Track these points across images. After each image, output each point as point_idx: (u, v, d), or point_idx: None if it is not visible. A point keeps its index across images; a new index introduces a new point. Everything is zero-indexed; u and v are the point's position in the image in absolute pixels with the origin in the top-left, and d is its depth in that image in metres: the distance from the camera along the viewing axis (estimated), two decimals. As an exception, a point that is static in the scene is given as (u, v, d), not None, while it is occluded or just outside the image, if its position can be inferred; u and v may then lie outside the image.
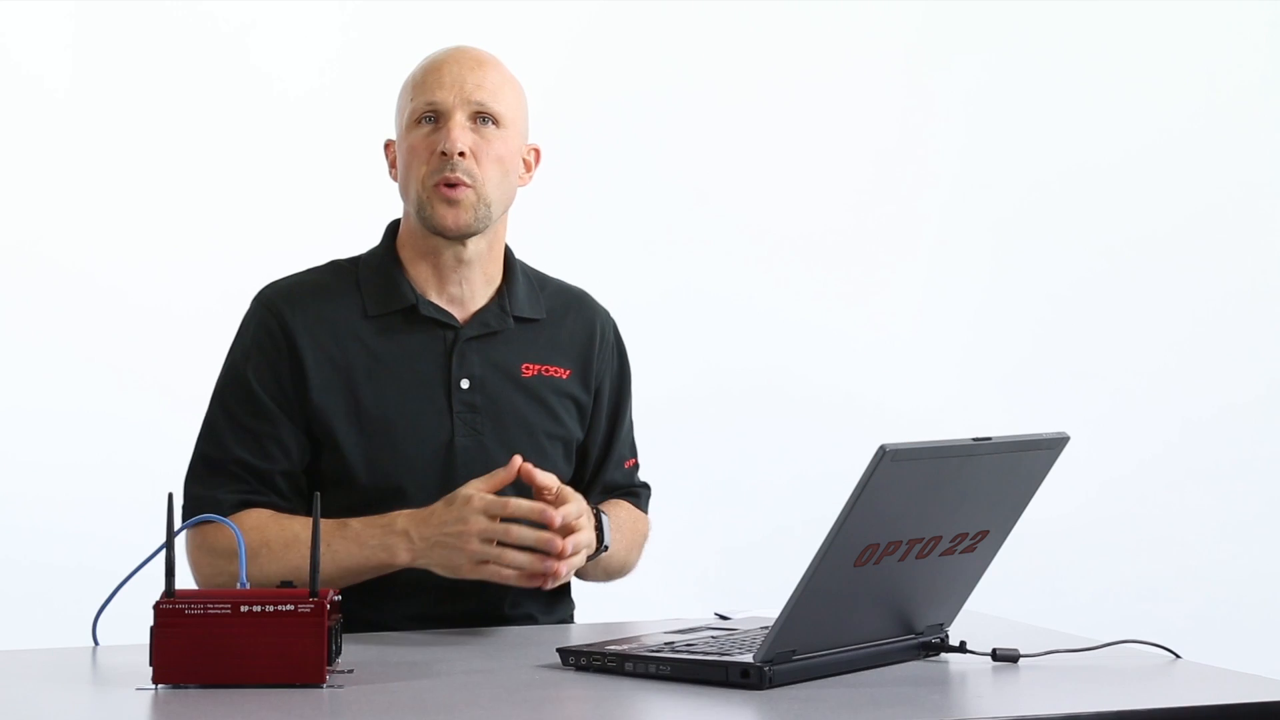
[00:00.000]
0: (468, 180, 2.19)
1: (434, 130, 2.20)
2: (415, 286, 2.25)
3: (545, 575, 2.04)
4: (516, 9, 3.80)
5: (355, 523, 2.12)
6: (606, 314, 2.40)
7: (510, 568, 2.03)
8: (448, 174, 2.18)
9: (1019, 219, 4.13)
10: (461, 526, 2.03)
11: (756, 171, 3.99)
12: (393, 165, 2.28)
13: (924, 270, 4.09)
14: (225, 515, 2.10)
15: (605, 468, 2.38)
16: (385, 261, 2.26)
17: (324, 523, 2.10)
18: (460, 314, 2.26)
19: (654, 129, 3.92)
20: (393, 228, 2.31)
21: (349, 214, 3.25)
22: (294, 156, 3.70)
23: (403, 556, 2.09)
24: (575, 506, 2.08)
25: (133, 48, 3.64)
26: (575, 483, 2.34)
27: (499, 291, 2.28)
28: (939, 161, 4.09)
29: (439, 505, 2.07)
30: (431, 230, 2.21)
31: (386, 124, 2.32)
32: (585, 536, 2.08)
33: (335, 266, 2.29)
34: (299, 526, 2.14)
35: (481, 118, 2.21)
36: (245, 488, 2.18)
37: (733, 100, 3.98)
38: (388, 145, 2.30)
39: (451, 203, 2.19)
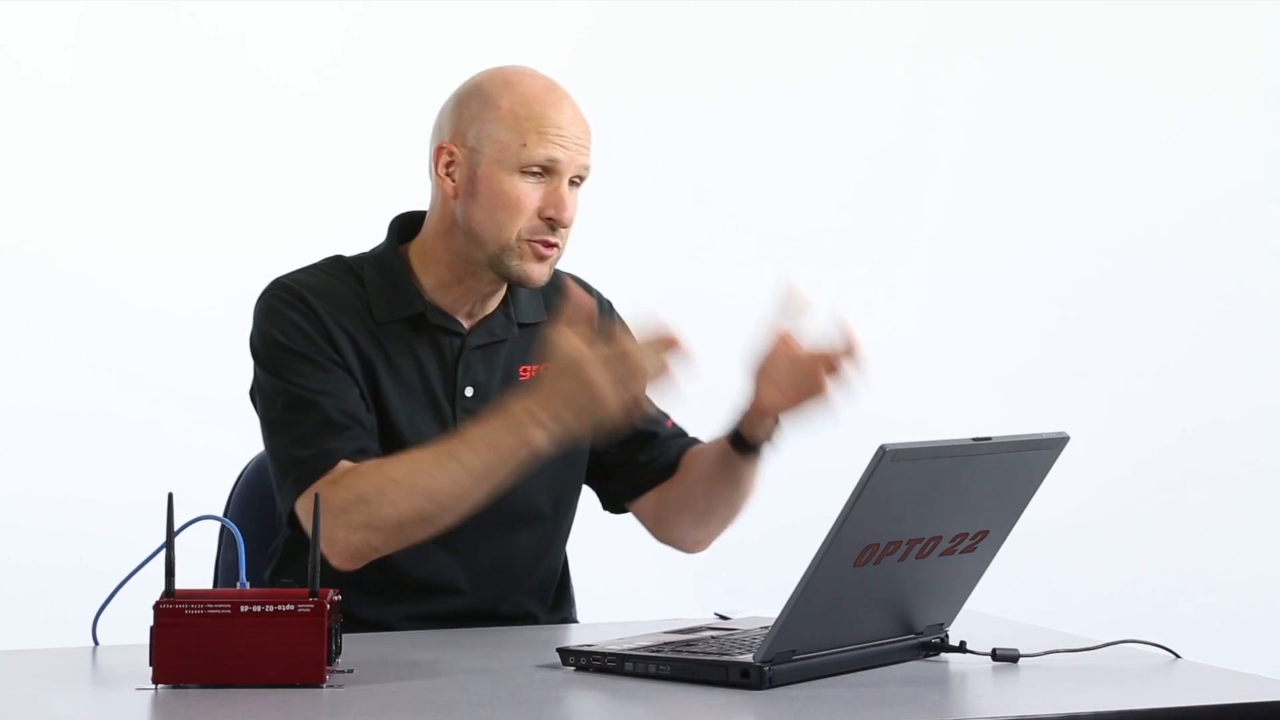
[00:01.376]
0: (560, 243, 2.19)
1: (541, 184, 2.16)
2: (423, 292, 2.23)
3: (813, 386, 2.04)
4: (517, 9, 3.80)
5: (473, 429, 2.05)
6: (597, 293, 2.38)
7: (647, 371, 1.99)
8: (550, 237, 2.16)
9: (1020, 219, 4.13)
10: (591, 388, 1.98)
11: (757, 171, 3.99)
12: (447, 175, 2.19)
13: (924, 270, 4.09)
14: (337, 464, 2.07)
15: (649, 430, 2.34)
16: (392, 265, 2.23)
17: (434, 446, 2.07)
18: (467, 321, 2.24)
19: (654, 128, 3.92)
20: (396, 226, 2.28)
21: (349, 214, 3.24)
22: (294, 156, 3.69)
23: (540, 439, 2.02)
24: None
25: (133, 48, 3.64)
26: (615, 464, 2.32)
27: (504, 300, 2.27)
28: (939, 161, 4.09)
29: (551, 380, 2.01)
30: (506, 277, 2.18)
31: (387, 125, 2.32)
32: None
33: (339, 265, 2.25)
34: (411, 457, 2.07)
35: (578, 179, 2.20)
36: (351, 437, 2.10)
37: (733, 100, 3.97)
38: (441, 148, 2.19)
39: (543, 260, 2.17)
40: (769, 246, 3.99)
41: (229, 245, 3.63)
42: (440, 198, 2.22)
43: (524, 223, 2.16)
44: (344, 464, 2.09)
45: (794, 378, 2.16)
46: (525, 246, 2.16)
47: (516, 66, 2.24)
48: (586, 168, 2.20)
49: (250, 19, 3.69)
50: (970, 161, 4.10)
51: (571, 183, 2.19)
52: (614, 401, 2.00)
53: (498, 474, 2.05)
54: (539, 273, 2.18)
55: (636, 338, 2.03)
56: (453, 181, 2.19)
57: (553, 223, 2.16)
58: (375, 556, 2.07)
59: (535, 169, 2.16)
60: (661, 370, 2.01)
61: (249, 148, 3.68)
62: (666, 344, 2.02)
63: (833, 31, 4.02)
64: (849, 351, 2.14)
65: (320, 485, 2.06)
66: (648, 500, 2.36)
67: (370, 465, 2.09)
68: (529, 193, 2.16)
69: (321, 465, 2.08)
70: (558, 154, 2.16)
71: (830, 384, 2.14)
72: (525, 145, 2.15)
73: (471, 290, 2.23)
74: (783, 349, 2.17)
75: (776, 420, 2.21)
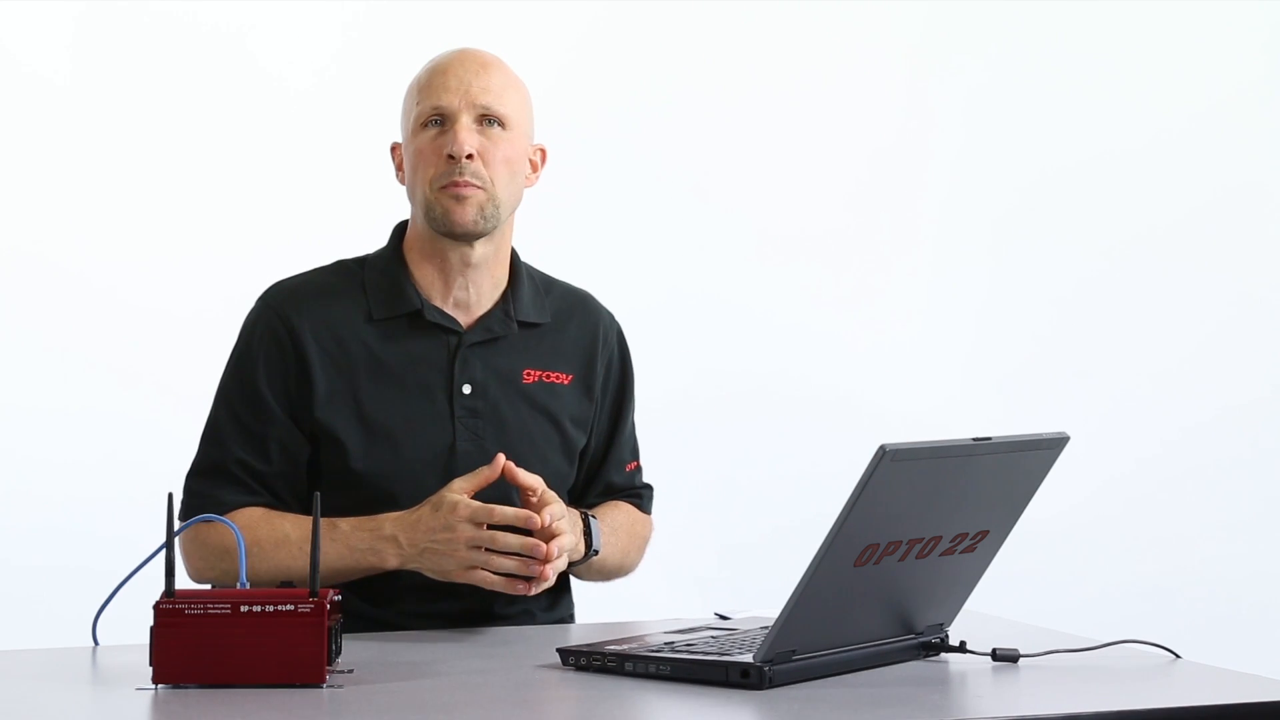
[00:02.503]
0: (476, 181, 2.18)
1: (440, 134, 2.20)
2: (420, 290, 2.24)
3: (530, 581, 2.07)
4: (518, 8, 3.80)
5: (344, 524, 2.13)
6: (610, 317, 2.40)
7: (497, 574, 2.06)
8: (455, 176, 2.18)
9: (1019, 219, 4.13)
10: (449, 534, 2.06)
11: (757, 172, 3.99)
12: (399, 169, 2.28)
13: (924, 270, 4.09)
14: (222, 514, 2.12)
15: (605, 470, 2.38)
16: (391, 264, 2.26)
17: (306, 528, 2.13)
18: (465, 319, 2.25)
19: (654, 129, 3.92)
20: (399, 230, 2.31)
21: (350, 214, 3.25)
22: (295, 156, 3.69)
23: (391, 561, 2.12)
24: (558, 508, 2.10)
25: (132, 46, 3.64)
26: (574, 487, 2.34)
27: (504, 296, 2.28)
28: (939, 161, 4.09)
29: (425, 510, 2.09)
30: (440, 231, 2.21)
31: (388, 123, 2.32)
32: (568, 540, 2.10)
33: (341, 267, 2.29)
34: (289, 526, 2.16)
35: (487, 120, 2.21)
36: (244, 489, 2.20)
37: (733, 100, 3.98)
38: (394, 149, 2.30)
39: (460, 200, 2.18)
40: (769, 246, 3.99)
41: (229, 244, 3.64)
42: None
43: (430, 172, 2.20)
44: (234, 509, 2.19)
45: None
46: (440, 194, 2.20)
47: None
48: (488, 106, 2.21)
49: (251, 17, 3.69)
50: (969, 161, 4.10)
51: (487, 122, 2.21)
52: (463, 561, 2.06)
53: (347, 575, 2.14)
54: (459, 213, 2.19)
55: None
56: (402, 173, 2.28)
57: (452, 160, 2.18)
58: None
59: (429, 121, 2.21)
60: (516, 562, 2.05)
61: (249, 146, 3.68)
62: (533, 547, 2.05)
63: (832, 32, 4.02)
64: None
65: (199, 526, 2.16)
66: None
67: (246, 521, 2.16)
68: (429, 144, 2.21)
69: (207, 508, 2.17)
70: (442, 98, 2.20)
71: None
72: (418, 103, 2.23)
73: (444, 270, 2.24)
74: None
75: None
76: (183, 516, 2.17)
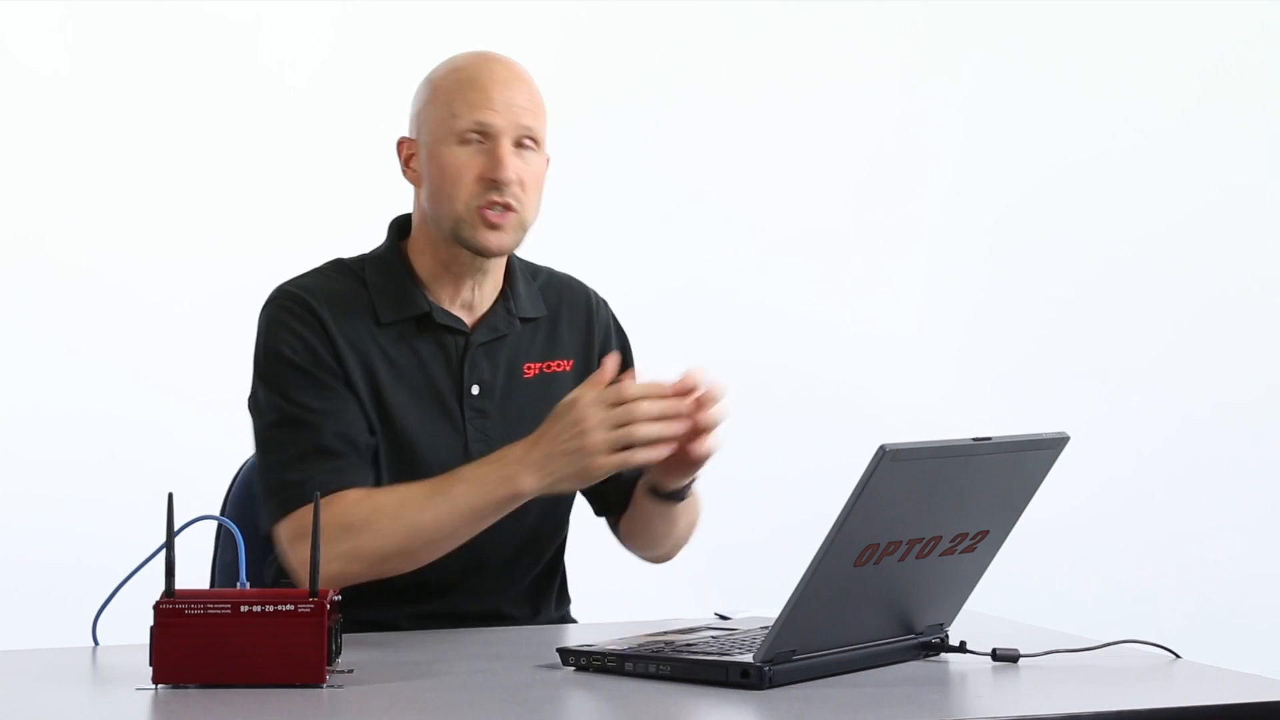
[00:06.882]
0: (515, 205, 2.17)
1: (480, 151, 2.17)
2: (427, 292, 2.23)
3: (688, 437, 2.00)
4: (518, 5, 3.79)
5: (465, 469, 2.07)
6: (595, 293, 2.39)
7: (646, 442, 1.99)
8: (495, 197, 2.16)
9: (1017, 217, 4.13)
10: (579, 427, 1.98)
11: (755, 170, 3.99)
12: (407, 165, 2.24)
13: (923, 268, 4.09)
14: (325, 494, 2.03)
15: None
16: (394, 266, 2.24)
17: (426, 481, 2.08)
18: (469, 318, 2.24)
19: (653, 127, 3.92)
20: (397, 226, 2.29)
21: (354, 210, 3.24)
22: (296, 151, 3.69)
23: (528, 482, 2.03)
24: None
25: (134, 40, 3.63)
26: None
27: (503, 293, 2.28)
28: (937, 159, 4.09)
29: (546, 424, 2.03)
30: (469, 249, 2.19)
31: (391, 120, 2.31)
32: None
33: (341, 267, 2.26)
34: (404, 489, 2.09)
35: (524, 140, 2.19)
36: (340, 465, 2.11)
37: (731, 98, 3.98)
38: (401, 143, 2.25)
39: (495, 227, 2.17)
40: (768, 245, 3.99)
41: (230, 242, 3.63)
42: (414, 192, 2.25)
43: (468, 190, 2.17)
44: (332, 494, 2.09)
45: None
46: (475, 215, 2.17)
47: (469, 51, 2.25)
48: (529, 129, 2.19)
49: (255, 11, 3.69)
50: (968, 160, 4.10)
51: (522, 145, 2.19)
52: (602, 445, 1.98)
53: (484, 514, 2.06)
54: (494, 240, 2.18)
55: (643, 384, 2.02)
56: (415, 172, 2.23)
57: (494, 184, 2.16)
58: (350, 584, 2.03)
59: (471, 136, 2.17)
60: (662, 425, 2.00)
61: (251, 142, 3.68)
62: (679, 396, 2.01)
63: (831, 31, 4.02)
64: (700, 396, 2.07)
65: (304, 511, 2.06)
66: (616, 516, 2.37)
67: (359, 494, 2.09)
68: (467, 160, 2.17)
69: (307, 494, 2.05)
70: (486, 116, 2.17)
71: (695, 429, 2.08)
72: (455, 115, 2.18)
73: (455, 275, 2.23)
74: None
75: (670, 471, 2.16)
76: (285, 510, 2.09)
